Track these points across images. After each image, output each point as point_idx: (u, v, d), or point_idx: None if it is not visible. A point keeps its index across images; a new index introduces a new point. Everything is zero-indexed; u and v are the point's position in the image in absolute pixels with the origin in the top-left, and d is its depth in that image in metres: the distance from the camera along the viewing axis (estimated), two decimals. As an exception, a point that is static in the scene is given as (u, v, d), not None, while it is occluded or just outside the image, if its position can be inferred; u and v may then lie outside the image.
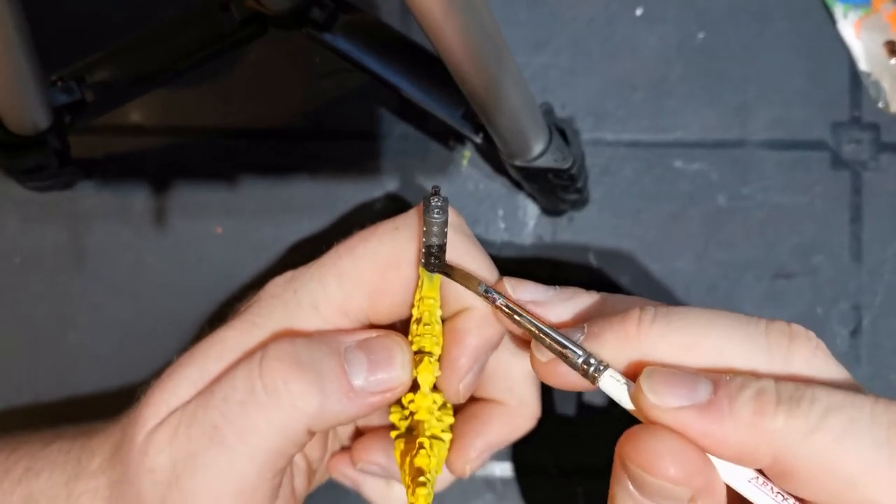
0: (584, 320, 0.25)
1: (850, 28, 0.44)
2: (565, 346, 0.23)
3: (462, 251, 0.28)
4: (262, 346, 0.27)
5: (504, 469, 0.43)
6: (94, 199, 0.44)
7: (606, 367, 0.23)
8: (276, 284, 0.29)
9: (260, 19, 0.39)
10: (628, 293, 0.43)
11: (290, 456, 0.27)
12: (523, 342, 0.29)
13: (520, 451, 0.43)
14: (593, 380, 0.23)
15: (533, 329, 0.24)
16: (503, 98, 0.33)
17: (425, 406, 0.29)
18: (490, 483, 0.43)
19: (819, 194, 0.44)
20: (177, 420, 0.26)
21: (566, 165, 0.38)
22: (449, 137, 0.44)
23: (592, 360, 0.23)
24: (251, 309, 0.28)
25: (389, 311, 0.28)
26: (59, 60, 0.38)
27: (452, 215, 0.27)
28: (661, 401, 0.21)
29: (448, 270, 0.27)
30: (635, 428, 0.22)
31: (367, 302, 0.28)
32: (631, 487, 0.22)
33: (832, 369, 0.23)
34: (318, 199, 0.44)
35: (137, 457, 0.26)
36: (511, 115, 0.35)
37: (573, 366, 0.23)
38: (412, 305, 0.28)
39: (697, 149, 0.44)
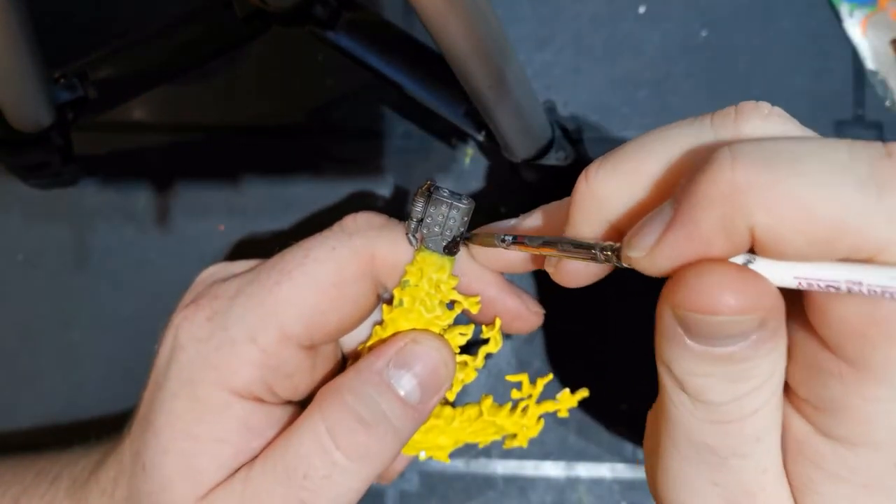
0: (560, 219, 0.24)
1: (856, 26, 0.44)
2: (576, 246, 0.23)
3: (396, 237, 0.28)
4: (223, 404, 0.26)
5: (506, 466, 0.43)
6: (96, 197, 0.44)
7: (603, 246, 0.22)
8: (197, 325, 0.27)
9: (263, 17, 0.38)
10: (631, 292, 0.43)
11: None
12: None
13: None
14: (609, 260, 0.22)
15: (540, 247, 0.24)
16: (506, 95, 0.33)
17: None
18: (491, 480, 0.43)
19: (823, 193, 0.44)
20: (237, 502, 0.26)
21: (569, 163, 0.38)
22: (451, 135, 0.44)
23: (601, 247, 0.22)
24: (181, 365, 0.27)
25: (337, 328, 0.28)
26: (63, 57, 0.38)
27: (380, 217, 0.28)
28: (640, 246, 0.19)
29: (467, 243, 0.28)
30: (676, 276, 0.19)
31: (311, 325, 0.27)
32: (689, 343, 0.19)
33: (794, 130, 0.21)
34: (320, 196, 0.44)
35: None
36: (513, 113, 0.35)
37: (590, 258, 0.22)
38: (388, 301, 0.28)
39: (701, 147, 0.44)
